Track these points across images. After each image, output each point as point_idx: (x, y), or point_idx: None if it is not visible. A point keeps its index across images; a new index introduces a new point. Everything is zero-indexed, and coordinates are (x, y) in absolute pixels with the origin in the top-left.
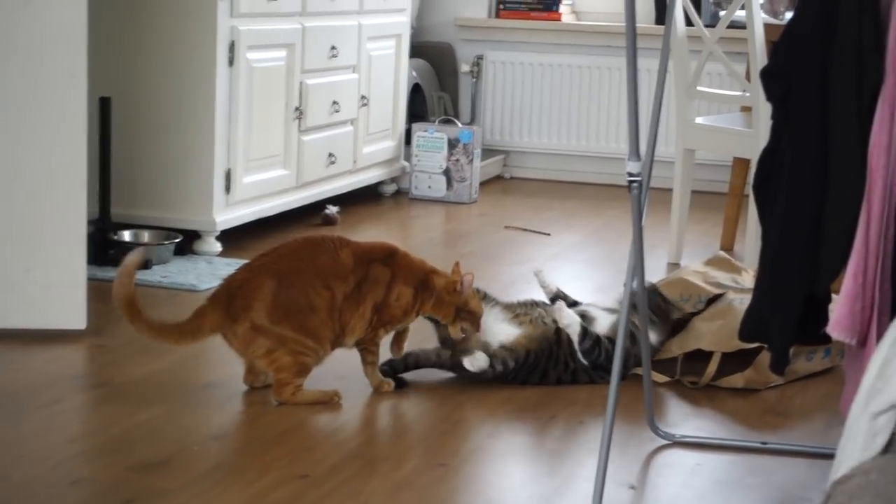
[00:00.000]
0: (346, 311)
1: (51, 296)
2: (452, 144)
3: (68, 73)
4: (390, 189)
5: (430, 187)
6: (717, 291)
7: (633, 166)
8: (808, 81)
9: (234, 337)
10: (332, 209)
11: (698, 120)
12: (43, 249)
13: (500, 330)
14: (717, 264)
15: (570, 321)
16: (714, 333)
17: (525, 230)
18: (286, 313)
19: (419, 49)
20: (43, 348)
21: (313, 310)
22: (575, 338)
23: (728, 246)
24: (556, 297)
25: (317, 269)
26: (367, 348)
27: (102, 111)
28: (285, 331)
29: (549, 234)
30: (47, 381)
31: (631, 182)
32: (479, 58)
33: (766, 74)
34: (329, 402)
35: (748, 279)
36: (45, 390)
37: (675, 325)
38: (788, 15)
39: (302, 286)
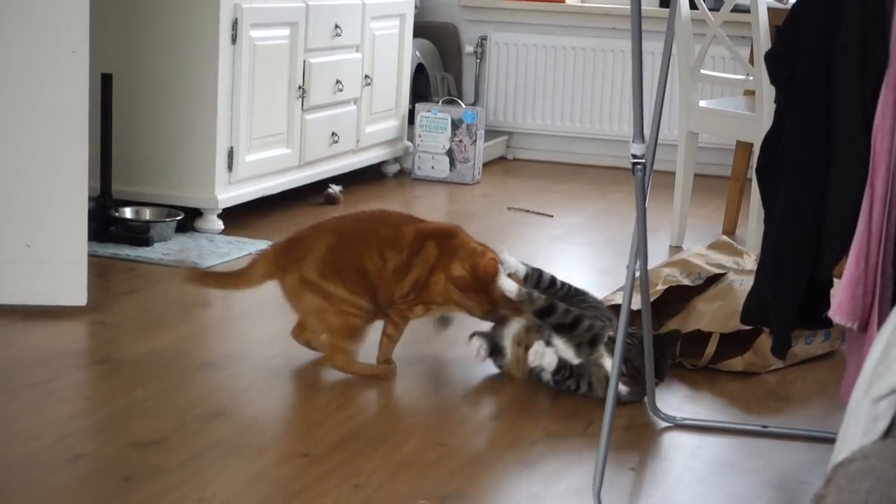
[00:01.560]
0: (393, 282)
1: (51, 271)
2: (456, 125)
3: (70, 49)
4: (393, 169)
5: (433, 168)
6: (718, 271)
7: (638, 148)
8: (813, 65)
9: (283, 288)
10: (334, 188)
11: (702, 103)
12: (44, 225)
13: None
14: (719, 248)
15: (543, 361)
16: (713, 314)
17: (528, 212)
18: (336, 270)
19: (423, 29)
20: (42, 324)
21: (364, 272)
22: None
23: (730, 230)
24: (529, 277)
25: (377, 238)
26: (392, 320)
27: (104, 87)
28: (334, 288)
29: (551, 216)
30: (46, 356)
31: (635, 164)
32: (484, 38)
33: (770, 58)
34: (383, 377)
35: (750, 262)
36: (44, 366)
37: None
38: None
39: (358, 249)
